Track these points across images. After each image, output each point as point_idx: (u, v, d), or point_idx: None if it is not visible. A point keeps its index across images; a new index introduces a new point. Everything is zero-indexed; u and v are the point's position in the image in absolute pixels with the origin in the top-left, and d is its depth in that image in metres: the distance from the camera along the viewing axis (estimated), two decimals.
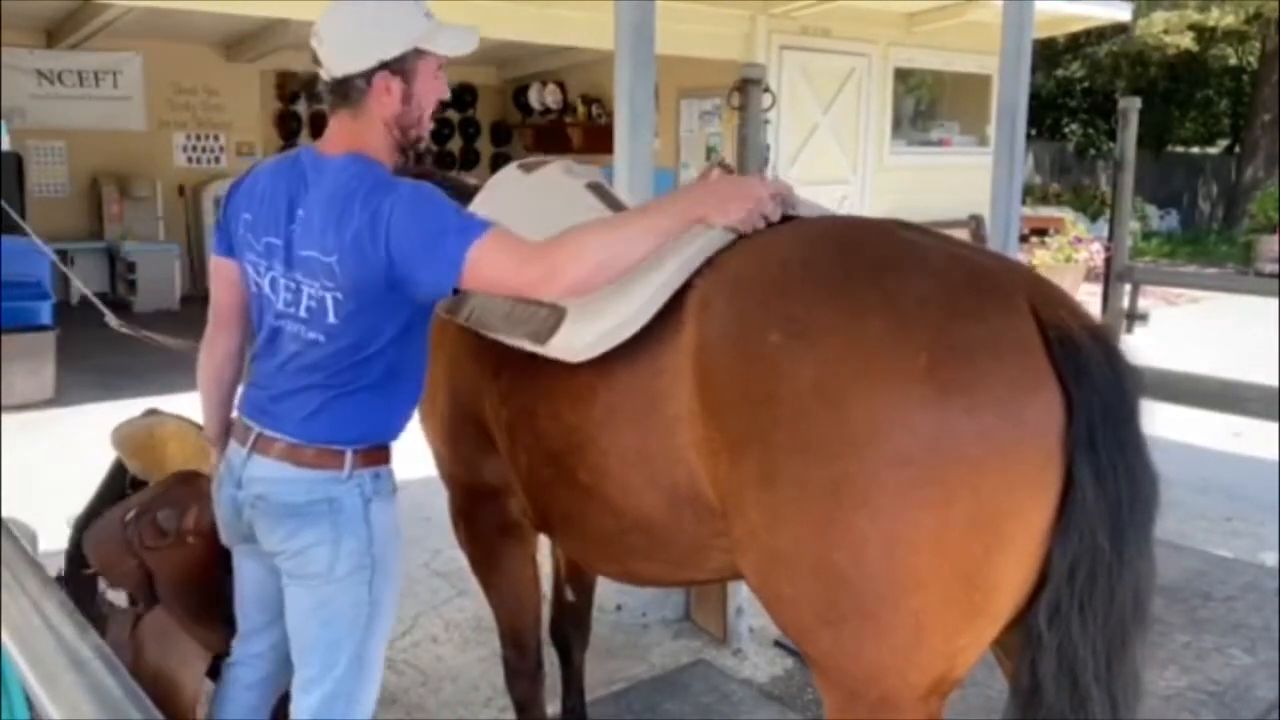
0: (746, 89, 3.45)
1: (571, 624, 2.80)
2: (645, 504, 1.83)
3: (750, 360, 1.60)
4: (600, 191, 2.37)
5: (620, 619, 3.83)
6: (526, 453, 2.05)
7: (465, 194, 2.44)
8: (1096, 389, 1.46)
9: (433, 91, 1.93)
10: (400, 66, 1.85)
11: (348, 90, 1.85)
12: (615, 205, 2.34)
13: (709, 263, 1.77)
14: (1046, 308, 1.51)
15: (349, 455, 1.89)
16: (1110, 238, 5.23)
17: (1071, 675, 1.49)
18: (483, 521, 2.31)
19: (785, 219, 1.85)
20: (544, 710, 2.59)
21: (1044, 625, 1.48)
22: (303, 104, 11.12)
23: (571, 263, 1.74)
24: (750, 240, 1.78)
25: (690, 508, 1.78)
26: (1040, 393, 1.46)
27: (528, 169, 2.43)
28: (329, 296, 1.81)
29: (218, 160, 10.72)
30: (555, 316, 1.88)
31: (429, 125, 1.97)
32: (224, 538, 2.06)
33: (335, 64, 1.84)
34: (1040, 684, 1.51)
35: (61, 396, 6.57)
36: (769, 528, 1.58)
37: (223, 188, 10.11)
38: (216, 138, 10.71)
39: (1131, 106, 4.88)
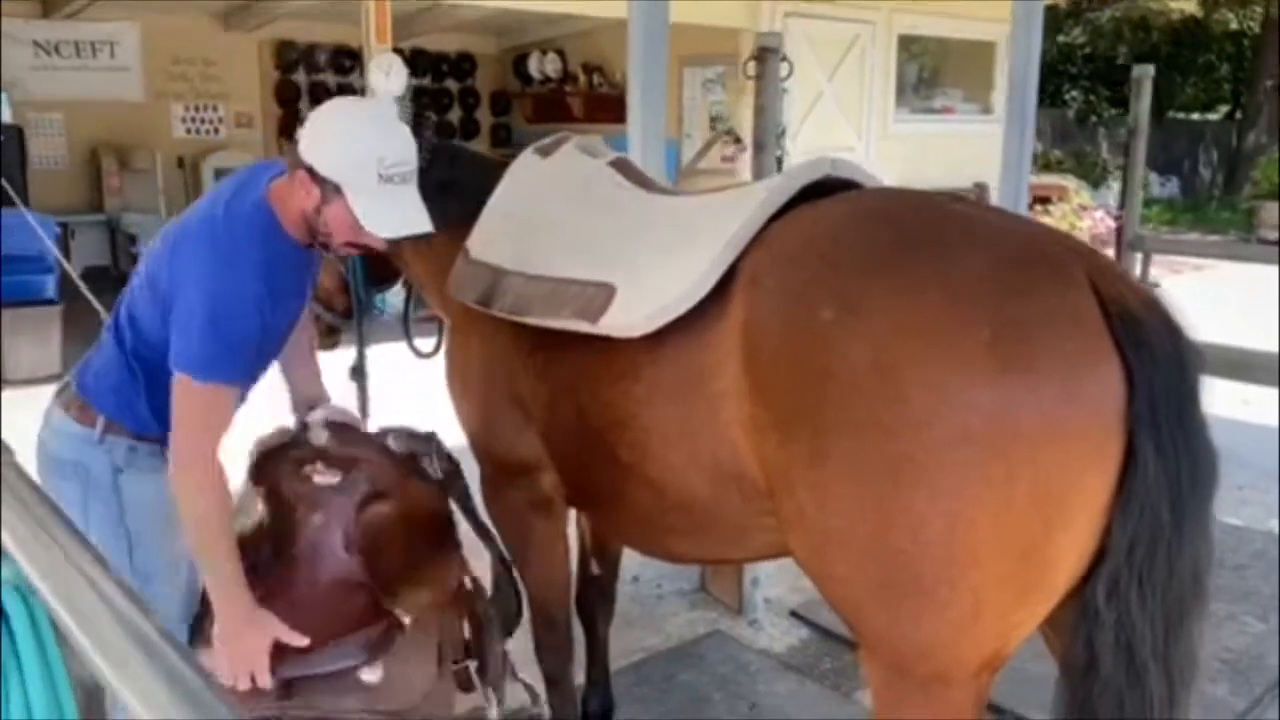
0: (764, 58, 3.40)
1: (597, 597, 2.80)
2: (688, 482, 1.82)
3: (802, 337, 1.58)
4: (625, 168, 2.34)
5: (636, 590, 3.84)
6: (565, 430, 2.03)
7: (490, 173, 2.41)
8: (1158, 364, 1.44)
9: (345, 230, 1.92)
10: (323, 183, 1.87)
11: (293, 157, 1.92)
12: (640, 180, 2.32)
13: (757, 238, 1.75)
14: (1104, 281, 1.49)
15: (100, 419, 2.00)
16: (1122, 206, 5.21)
17: (1129, 650, 1.49)
18: (516, 498, 2.29)
19: (843, 186, 1.83)
20: (573, 682, 2.60)
21: (1102, 601, 1.48)
22: (301, 73, 11.00)
23: (183, 496, 1.86)
24: (800, 215, 1.75)
25: (734, 486, 1.77)
26: (1101, 367, 1.44)
27: (545, 152, 2.40)
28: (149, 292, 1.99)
29: (216, 131, 10.61)
30: (605, 294, 1.86)
31: (343, 250, 2.04)
32: None
33: (301, 135, 1.92)
34: (1097, 659, 1.50)
35: (68, 370, 6.53)
36: (821, 506, 1.57)
37: (223, 159, 10.00)
38: (215, 108, 10.59)
39: (1145, 74, 4.84)
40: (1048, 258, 1.53)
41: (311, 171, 1.86)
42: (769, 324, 1.65)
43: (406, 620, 1.98)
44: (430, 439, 2.28)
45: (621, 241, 2.01)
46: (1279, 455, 4.72)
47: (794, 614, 3.70)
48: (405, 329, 2.77)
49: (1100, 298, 1.47)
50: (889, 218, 1.67)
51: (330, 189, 1.86)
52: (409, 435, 2.27)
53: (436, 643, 2.10)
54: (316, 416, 2.24)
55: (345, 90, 10.62)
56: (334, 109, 1.96)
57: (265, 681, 1.84)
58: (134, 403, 2.01)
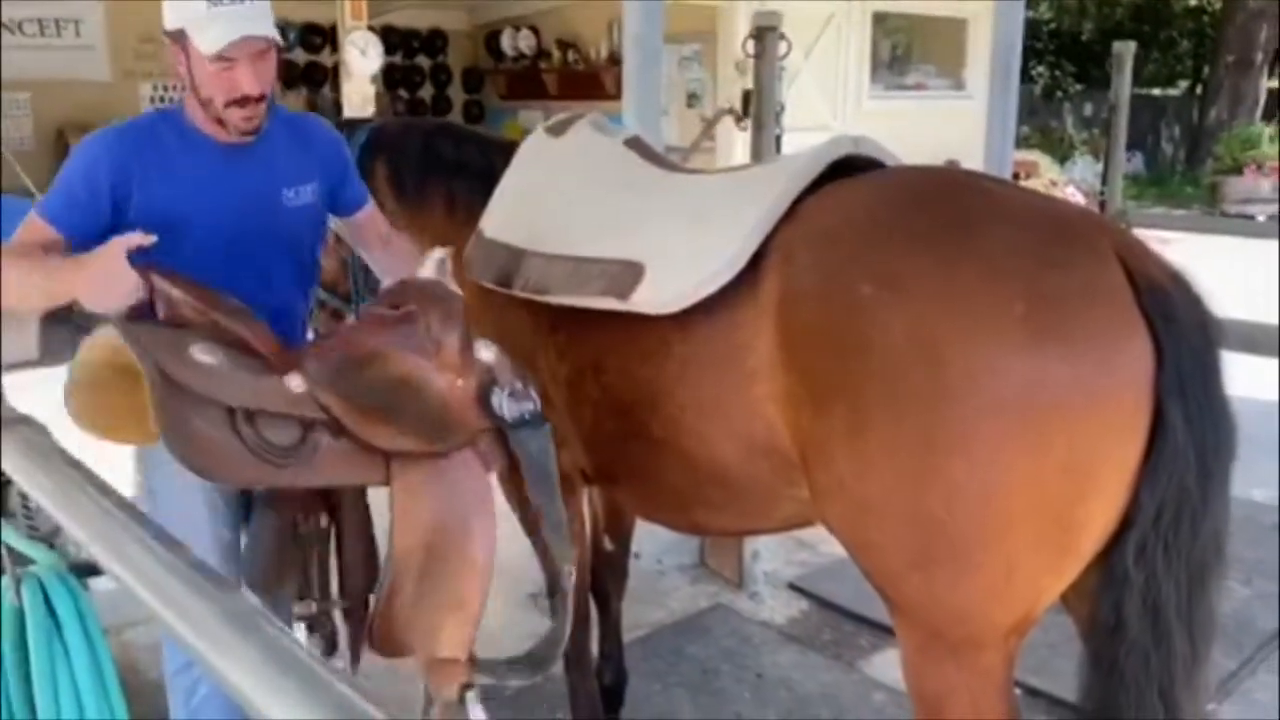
0: (764, 37, 3.42)
1: (610, 573, 2.84)
2: (721, 456, 1.86)
3: (839, 312, 1.61)
4: (640, 147, 2.36)
5: (637, 566, 3.87)
6: (590, 407, 2.06)
7: (498, 154, 2.42)
8: (1185, 336, 1.50)
9: (219, 84, 1.95)
10: (178, 41, 1.94)
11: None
12: (657, 160, 2.34)
13: (788, 215, 1.78)
14: (1132, 256, 1.55)
15: None
16: (1102, 183, 5.29)
17: (1155, 611, 1.55)
18: None
19: (868, 165, 1.86)
20: (591, 659, 2.64)
21: (1131, 564, 1.53)
22: None
23: None
24: (832, 193, 1.79)
25: (766, 459, 1.81)
26: (1132, 339, 1.49)
27: (556, 132, 2.41)
28: None
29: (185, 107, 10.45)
30: (633, 272, 1.88)
31: (235, 115, 1.99)
32: None
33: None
34: (1125, 621, 1.56)
35: (46, 358, 6.46)
36: (859, 476, 1.61)
37: None
38: (182, 88, 10.43)
39: (1126, 51, 4.91)
40: (1079, 233, 1.58)
41: (167, 34, 1.97)
42: (806, 299, 1.68)
43: None
44: (525, 377, 1.95)
45: (645, 220, 2.03)
46: (1274, 426, 4.84)
47: (792, 586, 3.77)
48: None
49: (1128, 271, 1.53)
50: (923, 195, 1.71)
51: (181, 40, 1.94)
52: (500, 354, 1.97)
53: None
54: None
55: (315, 69, 10.52)
56: None
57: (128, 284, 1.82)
58: None
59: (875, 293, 1.57)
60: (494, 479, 1.96)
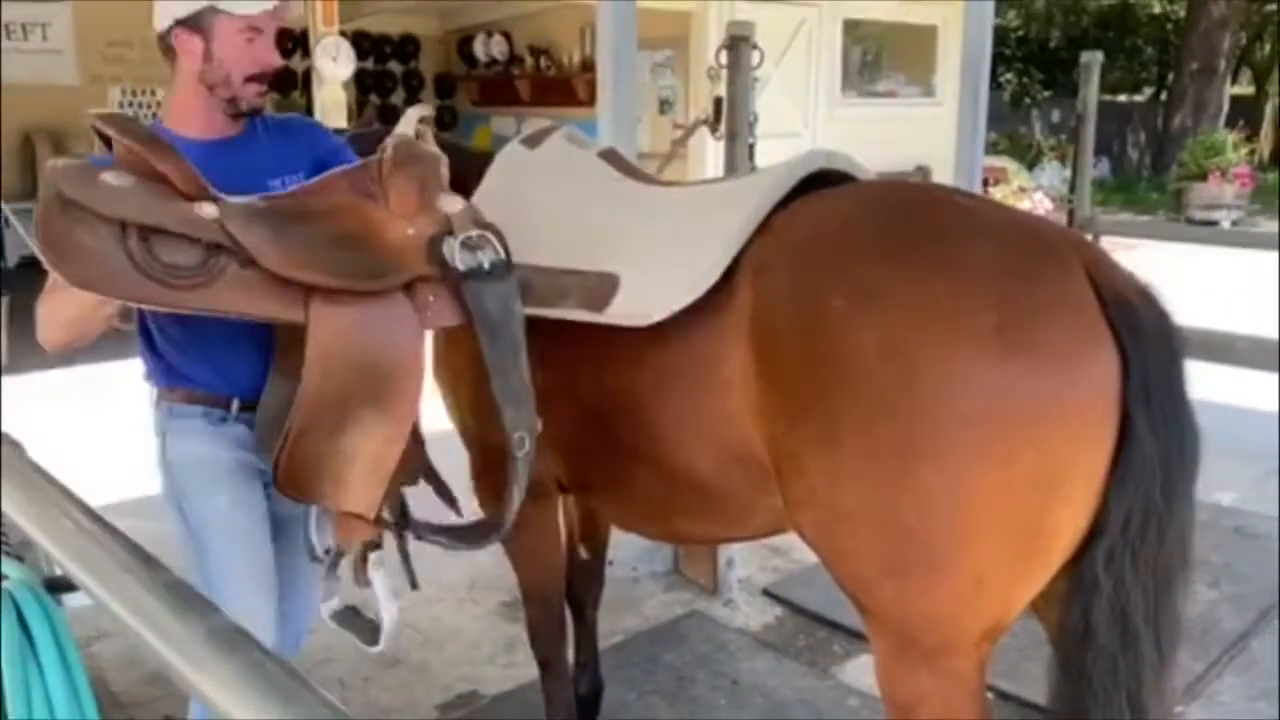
0: (737, 48, 3.45)
1: (585, 581, 2.84)
2: (695, 465, 1.87)
3: (812, 324, 1.63)
4: (614, 159, 2.37)
5: (612, 574, 3.87)
6: (566, 417, 2.06)
7: (471, 165, 2.43)
8: (1150, 348, 1.53)
9: (242, 56, 1.99)
10: (198, 25, 1.95)
11: (164, 48, 2.02)
12: (631, 172, 2.35)
13: (762, 228, 1.80)
14: (1099, 270, 1.58)
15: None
16: (1070, 190, 5.36)
17: (1123, 617, 1.58)
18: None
19: (842, 179, 1.88)
20: (568, 666, 2.64)
21: (1100, 571, 1.56)
22: None
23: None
24: (805, 206, 1.81)
25: (740, 468, 1.82)
26: (1099, 352, 1.52)
27: (532, 143, 2.41)
28: None
29: (155, 115, 10.36)
30: (609, 284, 1.89)
31: (250, 91, 2.04)
32: None
33: (156, 20, 2.00)
34: (1093, 627, 1.59)
35: (14, 364, 6.39)
36: (832, 485, 1.63)
37: None
38: (153, 92, 10.34)
39: (1094, 60, 4.98)
40: (1048, 247, 1.61)
41: (181, 24, 1.96)
42: (779, 311, 1.70)
43: None
44: (492, 228, 1.89)
45: (620, 232, 2.04)
46: (1226, 431, 4.92)
47: (767, 592, 3.79)
48: None
49: (1096, 285, 1.56)
50: (895, 208, 1.74)
51: (204, 21, 1.96)
52: (469, 208, 1.90)
53: None
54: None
55: (285, 74, 10.46)
56: None
57: None
58: (156, 360, 2.12)
59: (847, 305, 1.60)
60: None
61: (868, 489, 1.59)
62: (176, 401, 2.13)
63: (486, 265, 1.81)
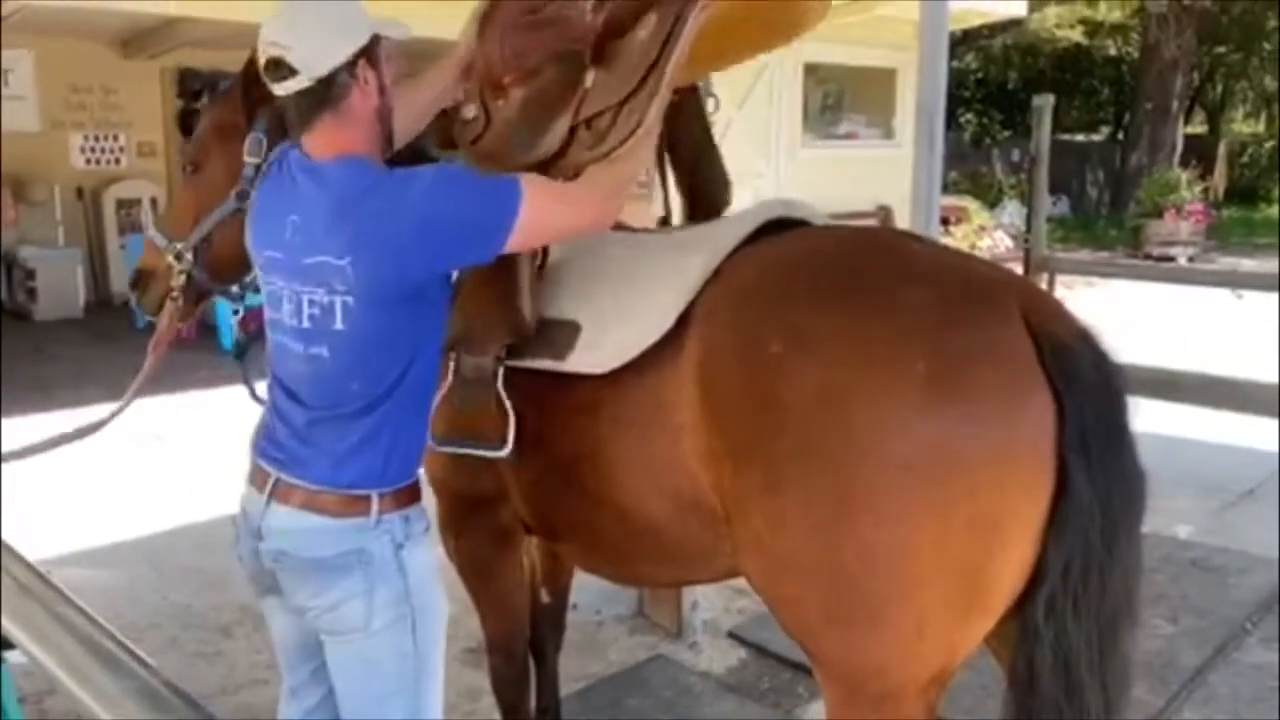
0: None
1: (547, 625, 2.83)
2: (653, 510, 1.88)
3: (753, 370, 1.65)
4: None
5: (575, 617, 3.85)
6: (532, 462, 2.07)
7: None
8: (1087, 393, 1.54)
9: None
10: (373, 54, 1.78)
11: (330, 89, 1.74)
12: None
13: (714, 275, 1.83)
14: (1037, 314, 1.59)
15: (375, 500, 1.78)
16: (1027, 229, 5.47)
17: (1066, 666, 1.58)
18: (476, 530, 2.31)
19: (794, 224, 1.91)
20: (530, 712, 2.62)
21: (1041, 620, 1.57)
22: (206, 101, 10.77)
23: (600, 193, 1.86)
24: (752, 253, 1.84)
25: (694, 514, 1.84)
26: (1034, 398, 1.54)
27: None
28: (338, 301, 1.72)
29: (118, 161, 10.33)
30: (570, 332, 1.92)
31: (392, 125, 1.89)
32: (255, 590, 1.96)
33: (314, 64, 1.72)
34: (1037, 675, 1.59)
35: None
36: (774, 532, 1.64)
37: (126, 189, 9.73)
38: (115, 138, 10.32)
39: (1046, 104, 5.10)
40: (984, 292, 1.62)
41: (363, 56, 1.76)
42: (723, 357, 1.72)
43: None
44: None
45: (582, 278, 2.07)
46: (1187, 466, 4.97)
47: (731, 634, 3.78)
48: (244, 373, 2.28)
49: (1032, 330, 1.57)
50: (837, 254, 1.76)
51: (374, 48, 1.78)
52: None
53: None
54: None
55: None
56: (305, 14, 1.78)
57: None
58: (387, 461, 1.81)
59: (785, 351, 1.61)
60: None
61: (809, 536, 1.60)
62: (412, 504, 1.86)
63: None
